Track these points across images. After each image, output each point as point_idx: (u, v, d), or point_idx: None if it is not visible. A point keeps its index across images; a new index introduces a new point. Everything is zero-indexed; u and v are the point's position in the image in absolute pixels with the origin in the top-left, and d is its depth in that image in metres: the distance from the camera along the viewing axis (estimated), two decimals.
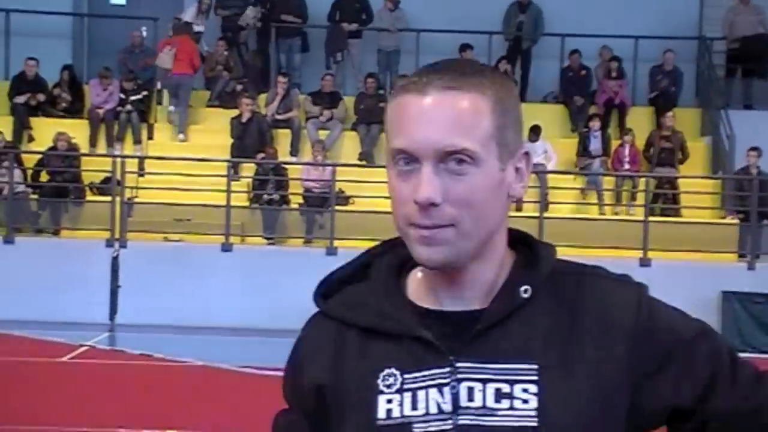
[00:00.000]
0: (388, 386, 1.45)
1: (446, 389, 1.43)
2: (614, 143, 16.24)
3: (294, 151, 16.16)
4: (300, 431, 1.55)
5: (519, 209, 15.37)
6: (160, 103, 16.94)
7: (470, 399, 1.42)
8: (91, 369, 10.63)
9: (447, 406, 1.42)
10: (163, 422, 7.92)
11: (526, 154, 1.49)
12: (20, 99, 16.23)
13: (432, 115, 1.40)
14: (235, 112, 15.94)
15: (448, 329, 1.45)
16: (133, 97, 16.32)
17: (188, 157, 15.02)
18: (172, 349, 11.43)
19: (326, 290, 1.55)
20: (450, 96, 1.41)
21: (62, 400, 8.83)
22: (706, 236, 14.03)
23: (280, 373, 1.59)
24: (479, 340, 1.44)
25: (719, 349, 1.51)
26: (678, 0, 17.52)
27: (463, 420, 1.42)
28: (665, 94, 16.92)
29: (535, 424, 1.41)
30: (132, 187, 14.89)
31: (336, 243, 13.86)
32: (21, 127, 16.10)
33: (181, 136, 16.41)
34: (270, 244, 14.67)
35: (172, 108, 16.51)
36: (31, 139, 16.13)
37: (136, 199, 14.87)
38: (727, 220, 15.11)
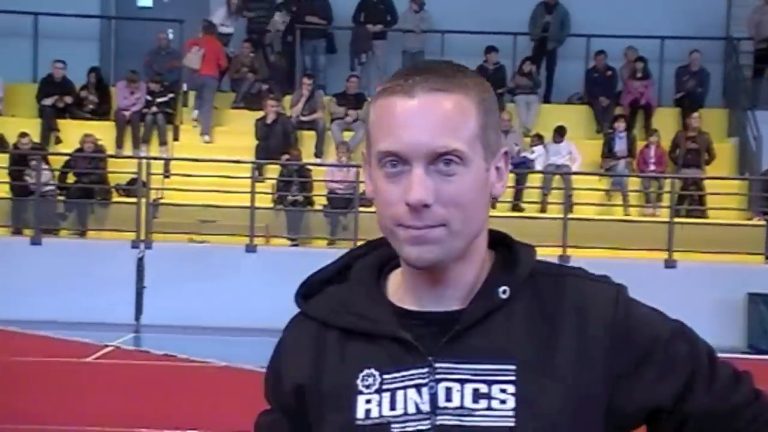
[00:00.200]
0: (367, 386, 1.46)
1: (424, 389, 1.43)
2: (639, 144, 16.17)
3: (318, 152, 16.20)
4: (281, 431, 1.57)
5: (543, 210, 15.36)
6: (185, 105, 17.04)
7: (448, 399, 1.43)
8: (115, 369, 10.70)
9: (425, 407, 1.43)
10: (186, 423, 7.96)
11: (506, 153, 1.50)
12: (48, 101, 16.38)
13: (421, 116, 1.41)
14: (260, 114, 16.00)
15: (427, 330, 1.46)
16: (159, 99, 16.42)
17: (213, 158, 15.11)
18: (196, 350, 11.48)
19: (307, 291, 1.57)
20: (437, 97, 1.42)
21: (87, 400, 8.89)
22: (732, 238, 13.93)
23: None
24: (458, 340, 1.45)
25: (698, 349, 1.51)
26: (704, 0, 17.41)
27: (441, 420, 1.42)
28: (691, 95, 16.82)
29: (512, 424, 1.41)
30: (157, 189, 14.97)
31: (360, 244, 13.84)
32: (48, 129, 16.24)
33: (206, 137, 16.50)
34: (294, 245, 14.71)
35: (195, 112, 16.63)
36: (58, 140, 16.26)
37: (162, 201, 14.95)
38: (754, 222, 15.00)
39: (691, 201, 15.55)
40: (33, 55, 17.28)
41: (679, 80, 17.00)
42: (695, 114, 16.08)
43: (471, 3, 17.13)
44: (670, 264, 13.85)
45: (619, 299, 1.49)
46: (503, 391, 1.42)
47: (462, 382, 1.43)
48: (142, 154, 15.62)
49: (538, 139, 16.09)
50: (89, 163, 15.21)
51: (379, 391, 1.45)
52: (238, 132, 16.36)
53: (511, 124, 16.14)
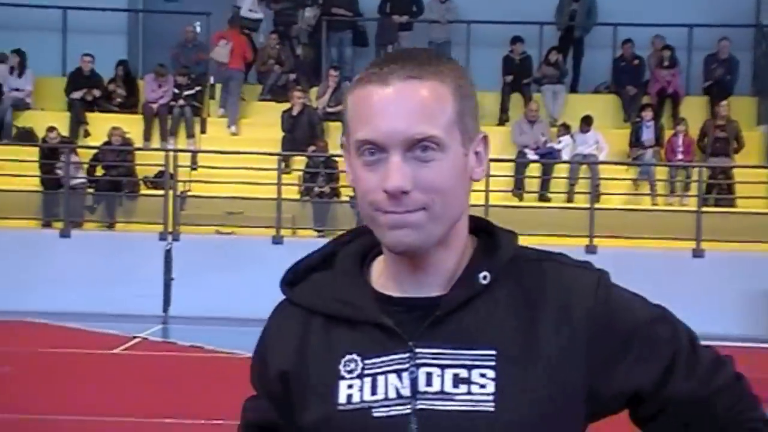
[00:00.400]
0: (350, 372, 1.47)
1: (405, 374, 1.45)
2: (667, 133, 16.07)
3: None
4: (267, 417, 1.59)
5: (570, 200, 15.31)
6: (212, 97, 17.11)
7: (428, 384, 1.44)
8: (143, 360, 10.77)
9: (405, 391, 1.44)
10: (213, 413, 8.00)
11: (485, 138, 1.51)
12: (76, 94, 16.50)
13: (397, 104, 1.42)
14: (286, 106, 16.04)
15: (408, 316, 1.47)
16: (186, 92, 16.50)
17: (240, 150, 15.17)
18: (223, 341, 11.53)
19: (293, 278, 1.58)
20: (413, 85, 1.43)
21: (114, 391, 8.96)
22: (761, 227, 13.83)
23: None
24: (439, 326, 1.46)
25: (678, 334, 1.51)
26: None
27: (422, 404, 1.44)
28: (720, 83, 16.70)
29: (492, 409, 1.42)
30: (185, 181, 15.05)
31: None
32: (77, 122, 16.36)
33: (232, 129, 16.56)
34: (320, 236, 14.73)
35: (222, 110, 16.72)
36: (86, 134, 16.38)
37: (189, 193, 15.02)
38: None
39: (719, 190, 15.43)
40: (62, 49, 17.41)
41: (708, 68, 16.87)
42: (724, 102, 15.95)
43: None
44: (697, 254, 13.76)
45: (600, 284, 1.49)
46: (483, 375, 1.43)
47: (442, 367, 1.44)
48: (170, 147, 15.70)
49: (565, 128, 16.02)
50: (117, 156, 15.31)
51: (360, 377, 1.47)
52: (264, 124, 16.41)
53: (537, 114, 16.09)
